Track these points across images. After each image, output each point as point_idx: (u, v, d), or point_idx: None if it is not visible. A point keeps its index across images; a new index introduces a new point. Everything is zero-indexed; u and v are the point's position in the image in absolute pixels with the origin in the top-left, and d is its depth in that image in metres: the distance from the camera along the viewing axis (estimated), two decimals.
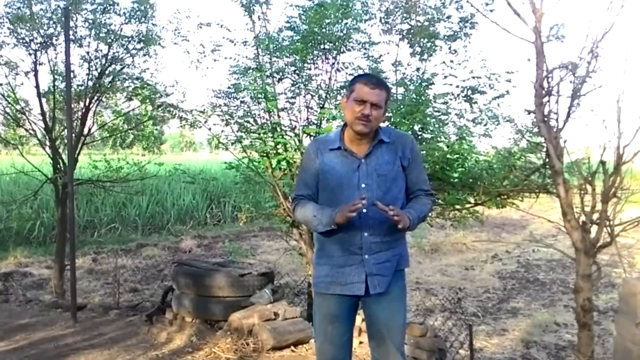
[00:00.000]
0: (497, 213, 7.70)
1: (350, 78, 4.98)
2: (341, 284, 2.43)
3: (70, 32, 5.61)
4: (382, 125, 2.55)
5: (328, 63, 4.95)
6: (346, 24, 4.77)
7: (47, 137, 6.52)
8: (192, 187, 13.34)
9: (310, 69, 4.94)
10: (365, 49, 5.03)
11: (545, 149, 3.51)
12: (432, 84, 4.75)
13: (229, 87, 4.95)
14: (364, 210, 2.36)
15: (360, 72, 4.98)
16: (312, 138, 4.89)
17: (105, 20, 6.15)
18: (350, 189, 2.36)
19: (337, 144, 2.45)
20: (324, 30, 4.64)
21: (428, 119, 4.56)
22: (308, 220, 2.46)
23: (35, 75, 6.31)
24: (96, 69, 6.33)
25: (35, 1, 5.97)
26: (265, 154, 4.81)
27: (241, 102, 5.04)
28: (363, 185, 2.38)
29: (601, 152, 3.27)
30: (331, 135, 2.55)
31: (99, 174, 7.15)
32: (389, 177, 2.40)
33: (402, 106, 4.39)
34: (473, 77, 4.66)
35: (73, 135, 5.70)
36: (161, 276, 8.27)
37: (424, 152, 4.27)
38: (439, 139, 4.68)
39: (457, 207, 4.78)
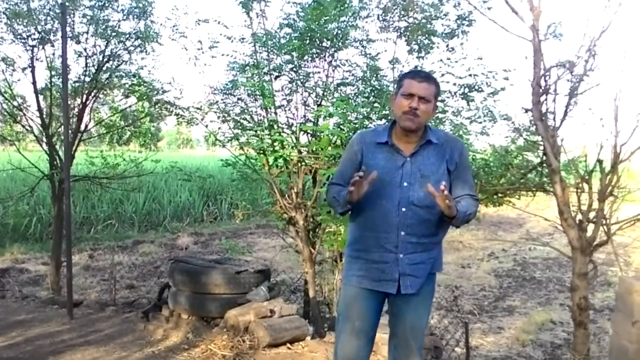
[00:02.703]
0: (494, 211, 7.71)
1: (347, 75, 4.98)
2: (374, 280, 2.40)
3: (68, 29, 5.59)
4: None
5: (325, 60, 4.94)
6: (344, 21, 4.76)
7: (43, 134, 6.49)
8: (189, 184, 13.32)
9: (307, 66, 4.94)
10: (362, 46, 5.03)
11: (542, 148, 3.52)
12: None
13: (226, 84, 4.95)
14: (403, 209, 2.33)
15: (358, 69, 4.98)
16: (309, 135, 4.89)
17: (103, 16, 6.13)
18: (391, 187, 2.32)
19: (384, 139, 2.41)
20: (321, 27, 4.63)
21: None
22: (332, 204, 2.51)
23: (32, 72, 6.28)
24: (93, 66, 6.31)
25: None
26: (262, 151, 4.80)
27: (238, 99, 5.03)
28: (405, 184, 2.34)
29: (598, 150, 3.29)
30: (380, 129, 2.51)
31: (96, 170, 7.13)
32: (433, 179, 2.30)
33: None
34: (470, 75, 4.66)
35: (70, 131, 5.68)
36: (157, 273, 8.26)
37: None
38: None
39: None
